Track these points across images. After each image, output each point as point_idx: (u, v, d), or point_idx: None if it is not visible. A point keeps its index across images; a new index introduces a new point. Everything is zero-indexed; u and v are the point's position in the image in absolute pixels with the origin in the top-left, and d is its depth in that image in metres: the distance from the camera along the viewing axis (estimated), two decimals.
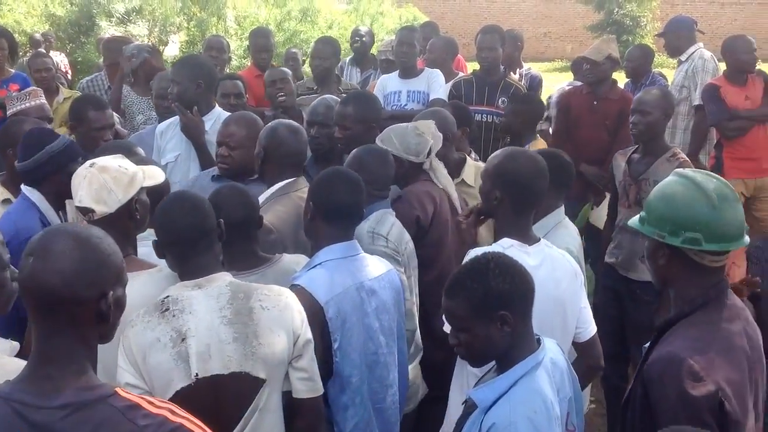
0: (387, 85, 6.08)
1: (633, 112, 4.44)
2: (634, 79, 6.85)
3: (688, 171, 2.47)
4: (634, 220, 2.51)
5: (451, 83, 6.04)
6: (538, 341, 2.38)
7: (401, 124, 3.93)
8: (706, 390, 2.12)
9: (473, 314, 2.26)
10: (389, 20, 14.95)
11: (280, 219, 3.38)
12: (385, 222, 3.40)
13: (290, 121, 3.92)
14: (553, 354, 2.41)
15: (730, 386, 2.17)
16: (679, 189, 2.36)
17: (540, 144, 4.90)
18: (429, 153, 3.79)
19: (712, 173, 2.48)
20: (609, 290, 4.62)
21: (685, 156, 4.58)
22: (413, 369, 3.42)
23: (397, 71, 6.28)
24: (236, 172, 3.82)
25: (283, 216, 3.41)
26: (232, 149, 3.84)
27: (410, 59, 6.10)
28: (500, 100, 5.89)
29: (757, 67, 6.21)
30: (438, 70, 6.09)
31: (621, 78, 6.76)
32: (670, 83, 6.67)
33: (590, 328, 3.08)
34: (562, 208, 3.58)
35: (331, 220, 2.97)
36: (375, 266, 3.06)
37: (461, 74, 6.43)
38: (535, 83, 6.97)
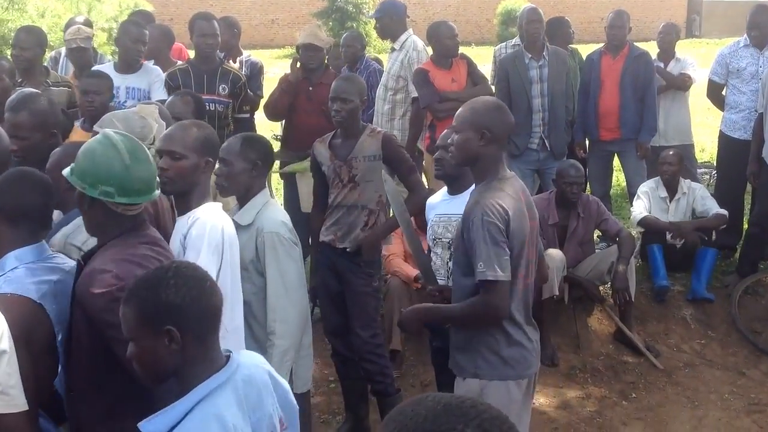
0: None
1: (334, 100, 4.62)
2: (350, 64, 7.08)
3: (110, 132, 2.84)
4: (66, 171, 2.76)
5: (166, 74, 5.91)
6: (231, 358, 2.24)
7: (122, 110, 3.81)
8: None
9: (140, 324, 2.14)
10: (108, 7, 14.25)
11: None
12: (83, 231, 3.19)
13: None
14: (248, 370, 2.24)
15: None
16: (99, 147, 2.72)
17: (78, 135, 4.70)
18: (154, 141, 3.65)
19: (128, 135, 2.89)
20: (327, 268, 4.79)
21: (379, 128, 4.92)
22: None
23: (112, 63, 6.04)
24: None
25: None
26: None
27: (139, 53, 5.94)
28: (221, 87, 5.86)
29: (461, 51, 6.65)
30: (158, 68, 5.97)
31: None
32: (385, 69, 6.92)
33: None
34: (267, 189, 3.81)
35: (18, 223, 2.80)
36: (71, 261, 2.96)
37: (179, 63, 6.31)
38: (255, 70, 6.96)
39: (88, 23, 7.50)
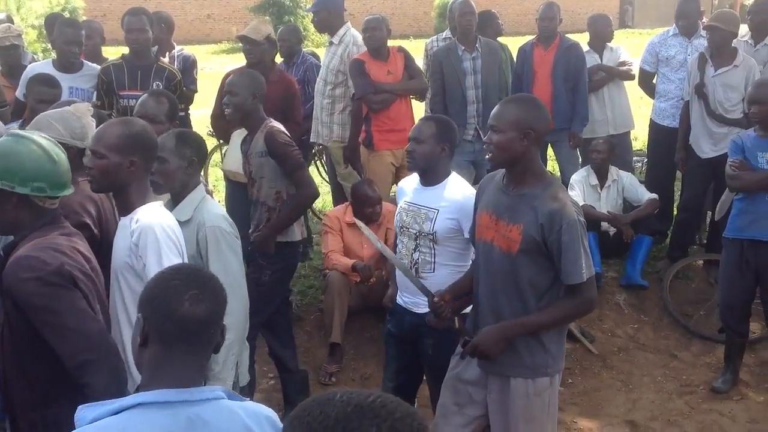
0: None
1: (225, 93, 4.64)
2: (287, 58, 7.06)
3: (20, 132, 3.03)
4: None
5: (100, 69, 5.83)
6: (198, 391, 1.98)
7: (56, 110, 3.72)
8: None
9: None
10: (38, 5, 13.99)
11: None
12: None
13: None
14: (212, 416, 1.93)
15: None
16: (21, 147, 2.83)
17: None
18: None
19: (29, 134, 2.99)
20: (252, 262, 4.82)
21: (273, 123, 4.67)
22: None
23: (51, 61, 5.94)
24: None
25: None
26: None
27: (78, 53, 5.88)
28: (155, 84, 5.78)
29: (399, 44, 6.67)
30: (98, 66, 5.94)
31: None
32: (323, 63, 6.88)
33: None
34: (202, 185, 3.77)
35: None
36: None
37: (111, 59, 6.22)
38: (188, 63, 6.89)
39: (11, 20, 7.35)
